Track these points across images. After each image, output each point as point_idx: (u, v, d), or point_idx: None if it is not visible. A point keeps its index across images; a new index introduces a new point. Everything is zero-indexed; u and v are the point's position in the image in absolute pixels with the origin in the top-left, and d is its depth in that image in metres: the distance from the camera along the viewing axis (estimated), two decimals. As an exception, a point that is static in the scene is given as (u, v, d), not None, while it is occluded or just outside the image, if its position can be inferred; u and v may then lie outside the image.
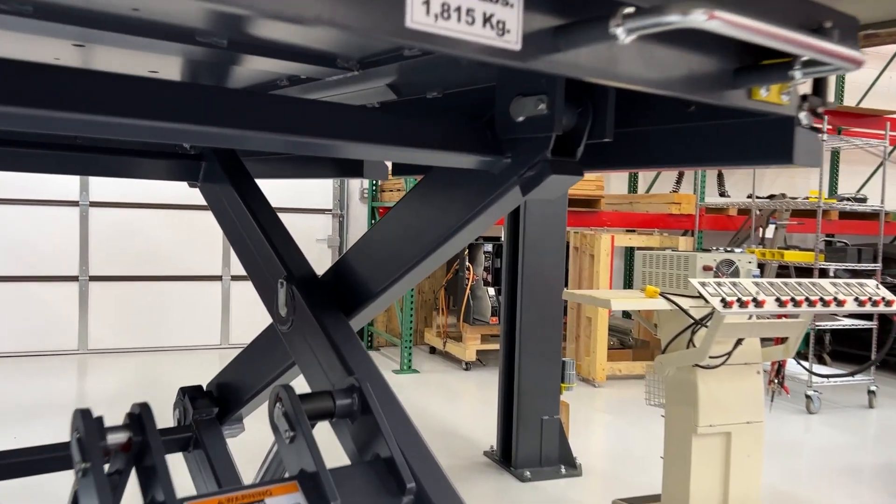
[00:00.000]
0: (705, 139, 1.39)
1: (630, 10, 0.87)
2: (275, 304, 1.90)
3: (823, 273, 7.35)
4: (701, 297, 3.61)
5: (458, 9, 0.85)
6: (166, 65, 1.74)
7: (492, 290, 7.54)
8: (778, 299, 3.65)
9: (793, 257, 7.50)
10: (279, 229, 1.98)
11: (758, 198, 8.38)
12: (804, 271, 7.78)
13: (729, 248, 7.09)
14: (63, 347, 7.55)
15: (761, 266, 7.10)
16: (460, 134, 1.41)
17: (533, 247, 5.08)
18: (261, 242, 1.96)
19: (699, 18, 0.82)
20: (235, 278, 8.02)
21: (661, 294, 3.98)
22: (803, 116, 1.22)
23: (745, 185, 9.65)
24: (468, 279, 7.53)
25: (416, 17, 0.81)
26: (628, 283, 9.64)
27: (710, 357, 3.87)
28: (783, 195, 8.44)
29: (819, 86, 1.19)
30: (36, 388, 6.33)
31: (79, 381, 6.72)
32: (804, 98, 1.19)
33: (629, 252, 9.78)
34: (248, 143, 1.24)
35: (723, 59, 1.13)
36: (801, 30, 0.93)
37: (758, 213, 8.36)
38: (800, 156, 1.26)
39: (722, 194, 9.30)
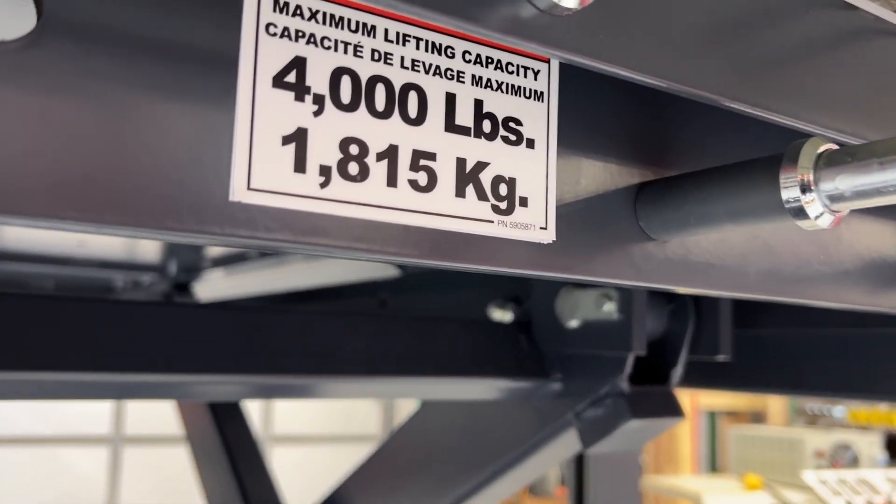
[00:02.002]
0: (887, 360, 0.82)
1: (827, 146, 0.34)
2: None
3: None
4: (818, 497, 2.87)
5: (391, 154, 0.34)
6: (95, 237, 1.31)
7: (558, 457, 6.72)
8: (921, 501, 2.87)
9: (907, 421, 6.49)
10: (252, 455, 1.45)
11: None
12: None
13: (825, 411, 6.16)
14: (89, 521, 6.98)
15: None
16: (476, 346, 0.88)
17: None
18: (224, 467, 1.43)
19: None
20: (278, 439, 7.41)
21: (766, 486, 3.23)
22: None
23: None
24: (531, 443, 6.76)
25: (263, 179, 0.30)
26: (713, 446, 8.61)
27: (835, 571, 3.05)
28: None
29: None
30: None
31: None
32: None
33: (713, 415, 8.86)
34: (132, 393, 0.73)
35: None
36: None
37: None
38: None
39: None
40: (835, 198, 0.34)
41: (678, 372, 0.85)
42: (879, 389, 0.84)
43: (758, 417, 6.94)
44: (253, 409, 1.57)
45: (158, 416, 7.19)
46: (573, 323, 0.85)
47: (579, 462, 4.08)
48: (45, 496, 6.77)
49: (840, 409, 7.14)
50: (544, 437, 0.89)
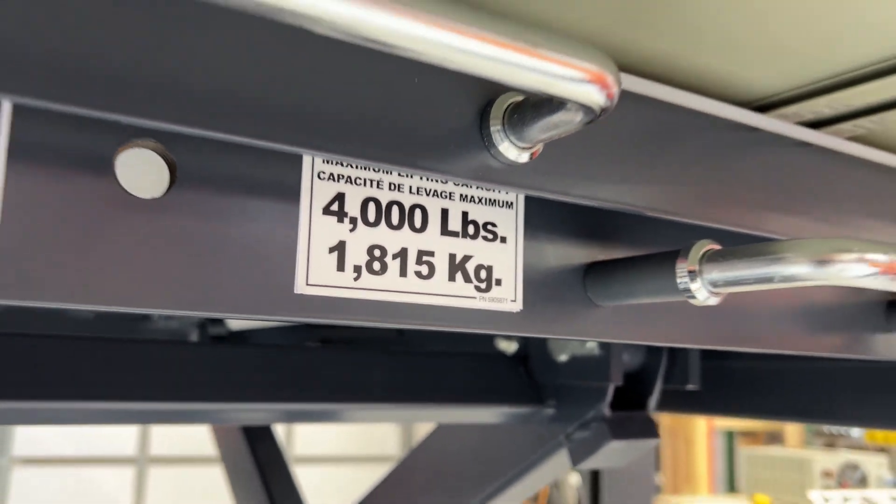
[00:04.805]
0: (849, 388, 0.95)
1: (713, 246, 0.49)
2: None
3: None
4: (825, 516, 2.95)
5: (403, 254, 0.48)
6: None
7: (574, 478, 6.80)
8: (925, 520, 2.94)
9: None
10: (283, 474, 1.59)
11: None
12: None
13: (843, 431, 6.19)
14: (114, 541, 7.03)
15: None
16: (480, 376, 1.02)
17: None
18: (256, 486, 1.57)
19: (853, 272, 0.42)
20: (299, 459, 7.51)
21: (774, 506, 3.32)
22: None
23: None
24: (548, 464, 6.81)
25: (318, 277, 0.45)
26: (730, 466, 8.60)
27: (843, 590, 3.11)
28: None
29: None
30: None
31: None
32: None
33: (730, 435, 8.84)
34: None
35: (867, 294, 0.72)
36: None
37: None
38: None
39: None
40: (715, 284, 0.48)
41: (654, 399, 0.99)
42: (832, 414, 0.97)
43: (774, 437, 6.95)
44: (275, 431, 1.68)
45: (182, 437, 7.27)
46: (563, 357, 0.99)
47: (595, 483, 4.20)
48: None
49: (857, 430, 7.15)
50: (540, 456, 1.03)
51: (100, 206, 0.40)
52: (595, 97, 0.37)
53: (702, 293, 0.48)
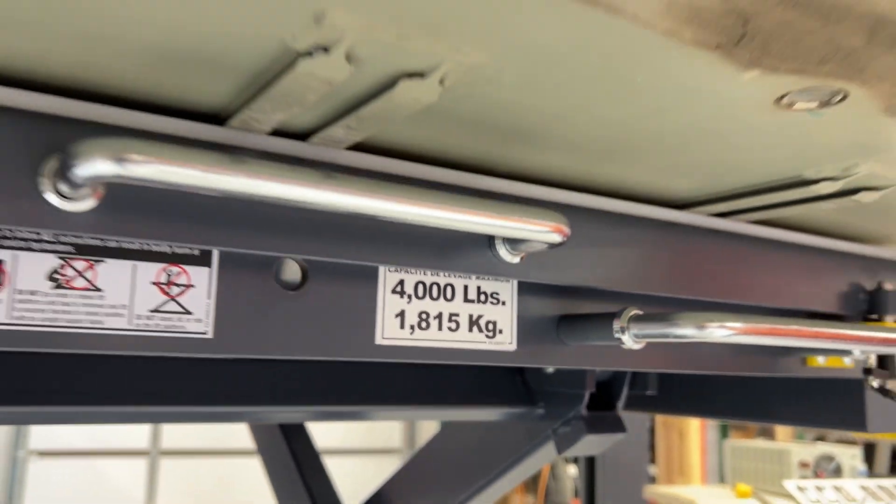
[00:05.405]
0: (770, 392, 1.22)
1: (637, 312, 0.76)
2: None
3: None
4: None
5: (439, 316, 0.76)
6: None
7: (572, 470, 7.09)
8: (890, 507, 3.21)
9: (908, 436, 6.76)
10: (317, 466, 1.86)
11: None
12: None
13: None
14: (126, 533, 7.17)
15: (870, 447, 6.43)
16: (487, 384, 1.30)
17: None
18: (293, 478, 1.84)
19: (719, 333, 0.70)
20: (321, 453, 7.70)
21: (755, 494, 3.60)
22: (874, 381, 1.06)
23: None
24: (548, 456, 7.09)
25: (389, 333, 0.73)
26: (723, 460, 8.88)
27: (816, 572, 3.39)
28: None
29: (884, 359, 1.03)
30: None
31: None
32: (868, 371, 1.03)
33: (724, 428, 9.10)
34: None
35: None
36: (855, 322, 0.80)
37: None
38: (874, 422, 1.08)
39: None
40: (637, 336, 0.75)
41: (622, 402, 1.26)
42: (767, 413, 1.24)
43: (766, 430, 7.22)
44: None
45: (192, 431, 7.43)
46: (550, 369, 1.26)
47: (591, 474, 4.54)
48: (80, 507, 6.97)
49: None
50: (532, 447, 1.30)
51: (267, 296, 0.68)
52: (554, 238, 0.64)
53: (629, 342, 0.76)
